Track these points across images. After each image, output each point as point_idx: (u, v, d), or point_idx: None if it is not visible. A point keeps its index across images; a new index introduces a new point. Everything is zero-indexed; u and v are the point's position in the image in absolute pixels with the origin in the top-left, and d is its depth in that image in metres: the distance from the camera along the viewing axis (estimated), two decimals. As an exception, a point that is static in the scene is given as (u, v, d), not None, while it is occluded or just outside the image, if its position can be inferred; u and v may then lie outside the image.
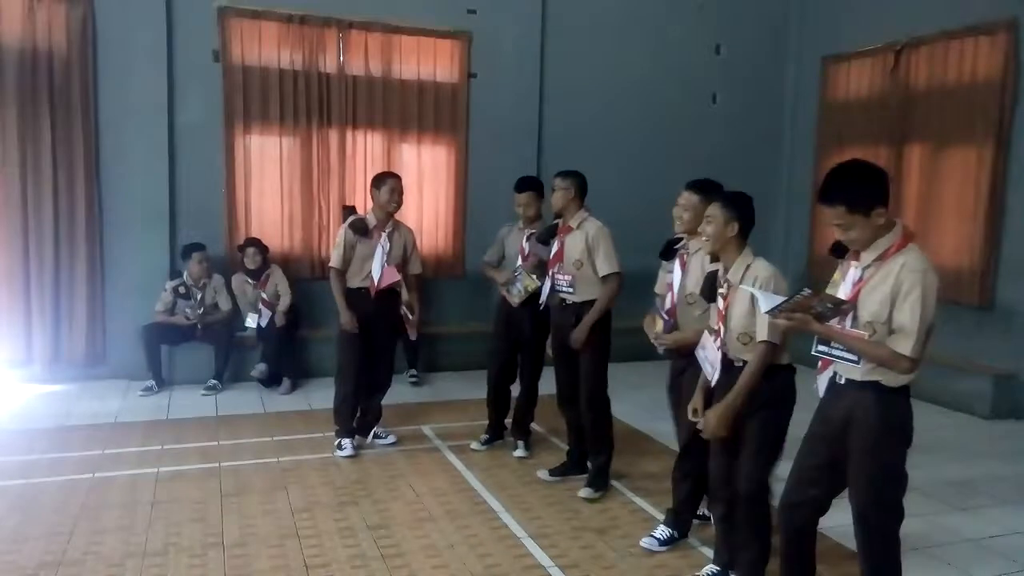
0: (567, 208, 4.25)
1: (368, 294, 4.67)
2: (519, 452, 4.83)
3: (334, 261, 4.67)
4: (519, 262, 4.70)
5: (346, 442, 4.76)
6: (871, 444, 2.54)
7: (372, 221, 4.69)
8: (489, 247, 5.01)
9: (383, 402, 5.00)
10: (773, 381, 2.98)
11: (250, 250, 6.24)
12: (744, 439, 3.03)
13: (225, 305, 6.24)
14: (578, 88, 7.34)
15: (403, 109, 6.85)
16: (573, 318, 4.18)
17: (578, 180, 4.28)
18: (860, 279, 2.57)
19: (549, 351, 4.48)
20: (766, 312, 2.62)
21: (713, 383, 3.11)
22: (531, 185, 4.78)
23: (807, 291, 2.48)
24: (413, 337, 5.16)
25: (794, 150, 8.08)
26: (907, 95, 6.89)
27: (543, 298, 4.47)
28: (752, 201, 3.12)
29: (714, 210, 3.07)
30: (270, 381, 6.19)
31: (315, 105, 6.59)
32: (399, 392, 6.15)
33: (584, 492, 4.20)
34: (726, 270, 3.08)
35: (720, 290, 3.09)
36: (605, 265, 4.09)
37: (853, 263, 2.61)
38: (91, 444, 4.83)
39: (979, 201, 6.29)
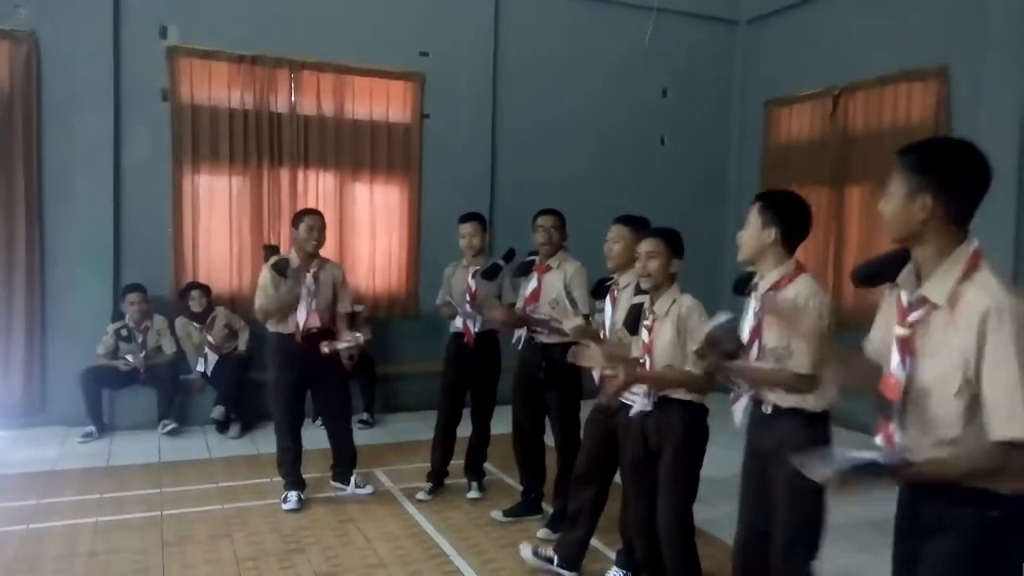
0: (548, 246, 4.24)
1: (294, 339, 4.50)
2: (473, 493, 4.75)
3: (258, 305, 4.54)
4: (467, 300, 4.62)
5: (292, 495, 4.54)
6: (792, 474, 2.53)
7: (295, 261, 4.53)
8: (440, 289, 4.96)
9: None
10: (687, 419, 3.04)
11: (194, 293, 6.14)
12: (660, 481, 3.07)
13: (169, 348, 6.09)
14: (530, 128, 7.43)
15: (355, 149, 6.85)
16: (542, 358, 4.15)
17: (560, 219, 4.29)
18: (758, 310, 2.63)
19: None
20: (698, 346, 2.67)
21: (634, 411, 3.12)
22: (475, 216, 4.76)
23: (728, 319, 2.53)
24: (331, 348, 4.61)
25: (740, 190, 8.26)
26: (846, 138, 7.12)
27: (515, 337, 4.39)
28: (680, 237, 3.18)
29: (656, 245, 3.11)
30: (224, 426, 6.04)
31: (266, 144, 6.55)
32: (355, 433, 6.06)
33: (541, 532, 4.15)
34: (652, 302, 3.12)
35: (644, 322, 3.13)
36: (582, 306, 3.97)
37: (753, 295, 2.70)
38: (26, 494, 4.64)
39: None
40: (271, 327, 4.57)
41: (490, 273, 4.52)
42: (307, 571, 3.72)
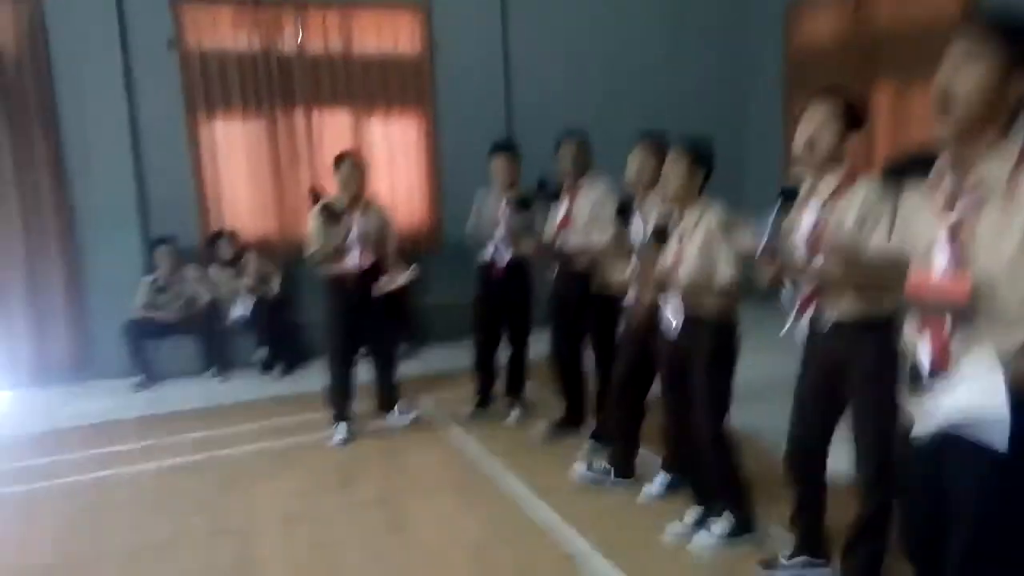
0: (573, 169, 4.22)
1: (347, 278, 4.63)
2: (514, 417, 4.87)
3: (311, 251, 4.65)
4: (501, 229, 4.65)
5: (341, 426, 4.73)
6: (873, 385, 2.52)
7: (341, 204, 4.60)
8: (470, 218, 4.95)
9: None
10: (717, 337, 3.07)
11: (222, 240, 6.23)
12: (693, 396, 3.13)
13: (205, 296, 6.20)
14: (542, 52, 7.29)
15: (367, 86, 6.78)
16: (576, 283, 4.19)
17: (583, 142, 4.27)
18: (820, 219, 2.58)
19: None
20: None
21: (674, 331, 3.16)
22: (506, 146, 4.74)
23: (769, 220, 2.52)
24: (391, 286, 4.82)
25: (765, 100, 8.10)
26: (871, 36, 6.93)
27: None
28: (712, 147, 3.14)
29: (679, 157, 3.09)
30: (267, 367, 6.20)
31: (277, 88, 6.49)
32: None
33: (586, 447, 4.26)
34: (680, 216, 3.12)
35: (675, 235, 3.15)
36: (612, 224, 3.94)
37: (811, 201, 2.62)
38: (85, 444, 4.81)
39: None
40: (324, 270, 4.68)
41: (522, 204, 4.51)
42: (361, 499, 3.87)
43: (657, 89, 7.68)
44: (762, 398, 3.85)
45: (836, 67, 7.27)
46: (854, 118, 2.60)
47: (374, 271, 4.71)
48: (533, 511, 3.65)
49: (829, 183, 2.58)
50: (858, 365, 2.57)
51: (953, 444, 1.68)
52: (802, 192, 2.67)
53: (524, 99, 7.28)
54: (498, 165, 4.67)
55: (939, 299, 1.69)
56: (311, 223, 4.62)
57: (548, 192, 4.46)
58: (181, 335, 6.15)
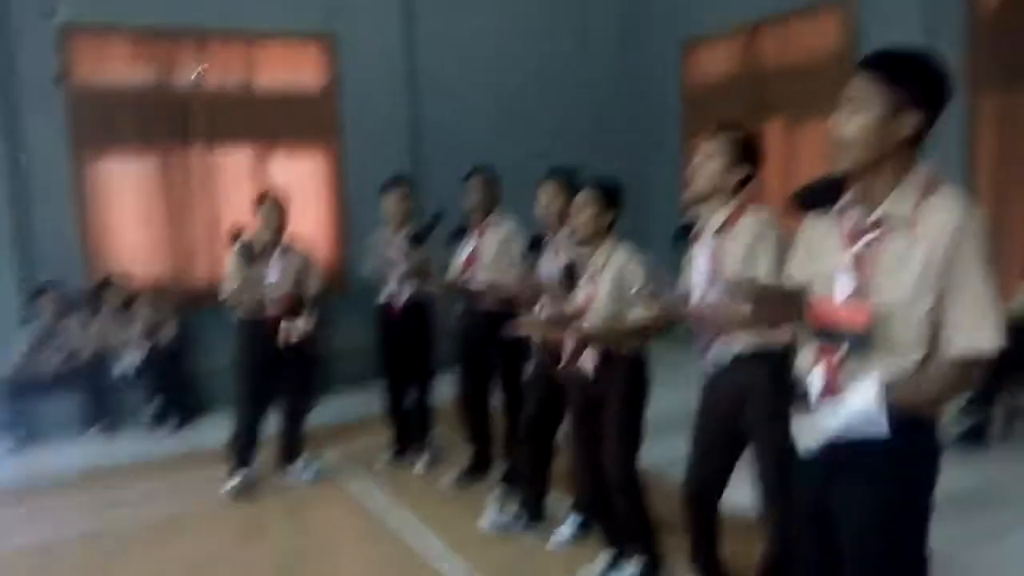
0: (481, 206, 4.16)
1: (261, 321, 4.48)
2: (422, 464, 4.72)
3: (226, 290, 4.52)
4: (397, 267, 4.55)
5: (239, 472, 4.49)
6: (769, 414, 2.56)
7: (260, 244, 4.46)
8: (366, 258, 4.83)
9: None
10: (629, 372, 3.05)
11: (110, 287, 5.87)
12: (604, 433, 3.09)
13: (90, 347, 5.82)
14: (449, 83, 7.25)
15: (269, 121, 6.56)
16: (484, 322, 4.10)
17: (490, 177, 4.21)
18: (714, 250, 2.61)
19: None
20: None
21: (589, 373, 3.11)
22: (399, 181, 4.66)
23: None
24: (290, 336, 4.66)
25: (663, 135, 8.28)
26: (761, 73, 7.19)
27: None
28: (621, 187, 3.14)
29: (588, 197, 3.07)
30: (159, 421, 5.84)
31: (173, 124, 6.22)
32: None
33: (495, 493, 4.13)
34: (590, 256, 3.10)
35: (582, 277, 3.12)
36: (521, 263, 3.94)
37: (705, 235, 2.66)
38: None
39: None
40: (239, 312, 4.55)
41: (418, 238, 4.43)
42: (264, 565, 3.63)
43: (562, 123, 7.75)
44: (667, 434, 3.81)
45: (730, 103, 7.50)
46: (745, 153, 2.61)
47: (292, 315, 4.53)
48: (445, 566, 3.50)
49: (720, 218, 2.61)
50: (755, 398, 2.60)
51: (839, 470, 1.78)
52: (697, 227, 2.70)
53: (432, 133, 7.22)
54: (390, 201, 4.58)
55: (838, 326, 1.74)
56: (229, 263, 4.47)
57: (450, 228, 4.38)
58: (64, 389, 5.73)
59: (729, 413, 2.68)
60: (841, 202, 1.81)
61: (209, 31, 6.26)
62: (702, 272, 2.64)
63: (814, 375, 1.81)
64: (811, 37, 6.70)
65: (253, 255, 4.40)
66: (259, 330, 4.49)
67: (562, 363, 3.26)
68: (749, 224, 2.54)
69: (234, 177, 6.48)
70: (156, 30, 6.06)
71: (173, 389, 5.89)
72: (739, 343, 2.60)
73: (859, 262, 1.73)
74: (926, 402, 1.69)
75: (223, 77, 6.38)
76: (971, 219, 1.62)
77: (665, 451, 3.75)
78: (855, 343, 1.70)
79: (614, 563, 3.26)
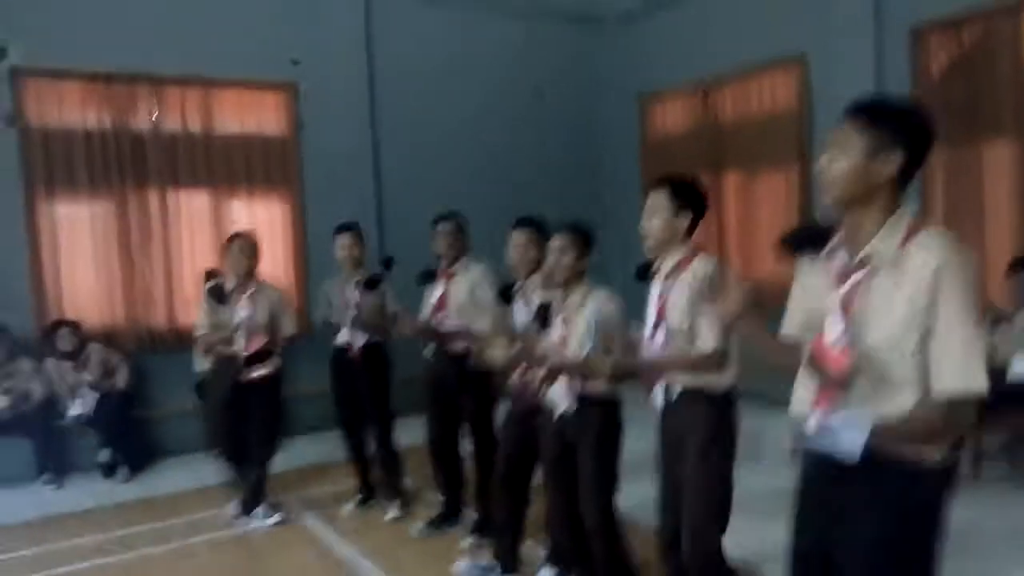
0: (450, 252, 4.15)
1: (230, 364, 4.42)
2: (392, 513, 4.59)
3: (198, 331, 4.54)
4: (351, 313, 4.50)
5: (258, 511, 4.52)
6: (701, 454, 2.61)
7: (231, 285, 4.44)
8: (317, 308, 4.78)
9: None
10: (603, 414, 3.06)
11: (62, 330, 5.65)
12: (580, 476, 3.07)
13: (38, 392, 5.58)
14: (412, 134, 7.31)
15: (229, 165, 6.51)
16: (453, 366, 4.08)
17: (459, 223, 4.20)
18: (661, 296, 2.69)
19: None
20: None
21: (565, 408, 3.10)
22: (351, 226, 4.64)
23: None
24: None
25: (621, 185, 8.44)
26: (718, 128, 7.41)
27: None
28: (593, 231, 3.20)
29: (567, 240, 3.10)
30: (111, 470, 5.58)
31: (129, 167, 6.09)
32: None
33: (467, 541, 4.07)
34: (564, 298, 3.12)
35: (559, 317, 3.12)
36: (491, 307, 3.90)
37: (654, 281, 2.74)
38: None
39: (790, 219, 6.81)
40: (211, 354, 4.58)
41: (371, 284, 4.40)
42: (224, 616, 3.49)
43: (524, 174, 7.85)
44: (640, 476, 3.79)
45: (688, 155, 7.71)
46: (686, 200, 2.69)
47: (261, 357, 4.49)
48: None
49: (669, 263, 2.70)
50: (691, 439, 2.63)
51: (842, 516, 1.79)
52: (654, 268, 2.78)
53: (393, 181, 7.24)
54: (344, 242, 4.57)
55: (827, 368, 1.78)
56: (201, 305, 4.53)
57: (389, 270, 4.42)
58: (11, 436, 5.45)
59: (674, 453, 2.71)
60: (830, 245, 1.85)
61: (167, 77, 6.22)
62: (650, 318, 2.73)
63: (812, 415, 1.82)
64: (766, 93, 6.97)
65: (224, 296, 4.38)
66: (227, 372, 4.44)
67: (534, 406, 3.27)
68: (695, 272, 2.63)
69: (192, 221, 6.39)
70: (111, 75, 6.00)
71: (125, 437, 5.66)
72: (680, 383, 2.66)
73: (846, 302, 1.76)
74: (918, 442, 1.70)
75: (181, 122, 6.32)
76: (955, 258, 1.65)
77: (638, 493, 3.75)
78: (838, 385, 1.75)
79: (591, 610, 3.21)
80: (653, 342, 2.70)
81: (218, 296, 4.38)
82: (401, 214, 7.11)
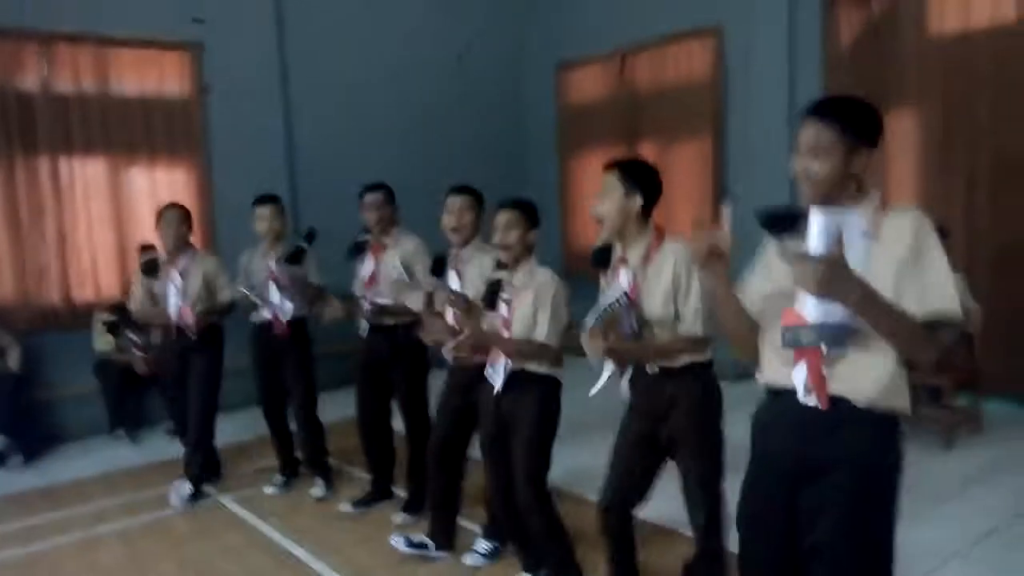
0: (379, 224, 3.98)
1: (169, 333, 4.47)
2: (317, 491, 4.44)
3: (133, 305, 4.59)
4: (272, 288, 4.30)
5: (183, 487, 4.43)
6: (700, 420, 2.65)
7: (163, 258, 4.38)
8: (235, 280, 4.52)
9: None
10: (541, 394, 3.03)
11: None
12: (514, 454, 3.04)
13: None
14: (324, 96, 7.03)
15: (127, 130, 6.08)
16: (386, 340, 3.94)
17: (388, 194, 4.03)
18: (634, 284, 2.64)
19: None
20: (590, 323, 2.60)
21: (498, 388, 3.05)
22: (271, 198, 4.41)
23: (623, 299, 2.53)
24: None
25: (539, 153, 8.40)
26: (634, 96, 7.44)
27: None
28: (536, 206, 3.12)
29: (513, 216, 3.02)
30: (2, 458, 5.19)
31: (16, 130, 5.62)
32: (158, 448, 5.49)
33: (398, 518, 3.99)
34: (511, 275, 3.05)
35: (503, 295, 3.04)
36: (424, 282, 3.79)
37: (622, 269, 2.69)
38: None
39: (705, 190, 6.95)
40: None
41: (293, 257, 4.18)
42: (144, 607, 3.29)
43: (441, 140, 7.70)
44: (565, 447, 3.79)
45: (604, 125, 7.73)
46: (641, 183, 2.65)
47: (199, 326, 4.39)
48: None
49: (637, 250, 2.66)
50: (682, 407, 2.64)
51: (807, 475, 1.85)
52: (613, 258, 2.72)
53: (308, 148, 6.96)
54: (264, 214, 4.34)
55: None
56: (135, 279, 4.58)
57: (312, 243, 4.19)
58: None
59: (655, 425, 2.70)
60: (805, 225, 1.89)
61: (57, 34, 5.73)
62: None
63: (796, 375, 1.87)
64: (683, 63, 7.02)
65: (157, 269, 4.32)
66: (170, 341, 4.50)
67: (470, 382, 3.21)
68: (667, 258, 2.60)
69: (88, 190, 5.96)
70: (-5, 30, 5.50)
71: (19, 421, 5.27)
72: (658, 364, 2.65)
73: None
74: (892, 334, 1.76)
75: (74, 82, 5.86)
76: (927, 219, 1.83)
77: (566, 463, 3.75)
78: (830, 337, 1.81)
79: (530, 585, 3.19)
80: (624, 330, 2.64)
81: (151, 270, 4.31)
82: (316, 184, 6.86)
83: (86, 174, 5.95)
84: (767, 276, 2.00)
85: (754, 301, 2.01)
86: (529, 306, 2.97)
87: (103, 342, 5.69)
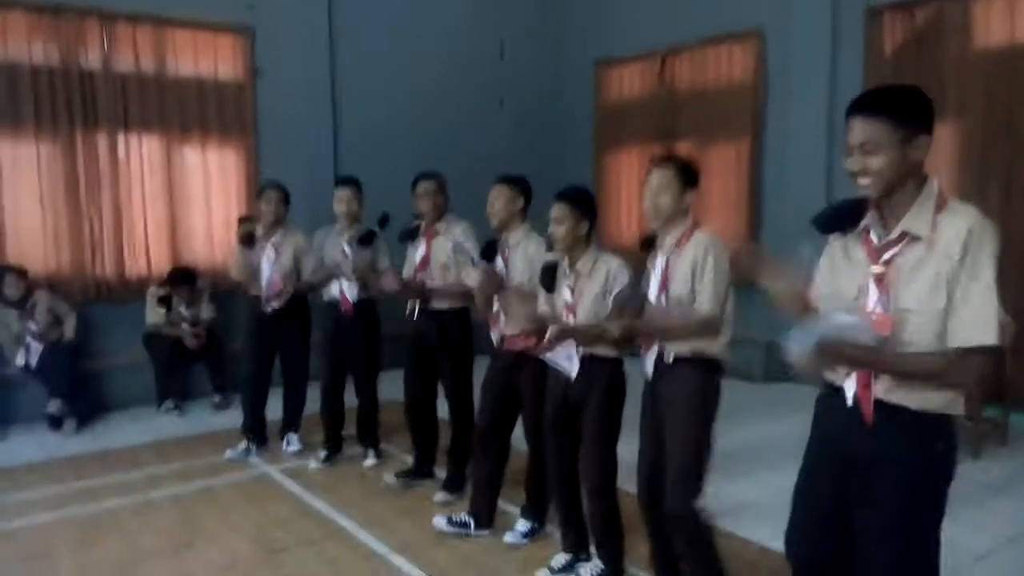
0: (432, 211, 4.14)
1: (262, 302, 4.72)
2: (370, 460, 4.70)
3: (232, 273, 4.91)
4: (343, 267, 4.50)
5: (240, 446, 4.87)
6: (692, 417, 2.75)
7: (260, 232, 4.71)
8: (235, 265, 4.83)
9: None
10: (610, 374, 3.12)
11: (7, 277, 5.41)
12: (585, 435, 3.14)
13: (-17, 340, 5.36)
14: (371, 86, 7.20)
15: (182, 109, 6.28)
16: (435, 323, 4.10)
17: (440, 182, 4.19)
18: (666, 266, 2.79)
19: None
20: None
21: (573, 376, 3.17)
22: (351, 181, 4.62)
23: (627, 285, 2.76)
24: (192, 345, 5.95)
25: (577, 148, 8.51)
26: (673, 96, 7.53)
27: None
28: (593, 197, 3.24)
29: (561, 211, 3.12)
30: (57, 422, 5.41)
31: (78, 106, 5.83)
32: (203, 420, 5.70)
33: (439, 496, 4.15)
34: (572, 262, 3.17)
35: (566, 282, 3.17)
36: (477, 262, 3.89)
37: (659, 253, 2.83)
38: None
39: (740, 191, 7.04)
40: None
41: (365, 240, 4.38)
42: (201, 567, 3.47)
43: (480, 131, 7.84)
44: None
45: (642, 123, 7.82)
46: (689, 178, 2.81)
47: (293, 302, 4.77)
48: (395, 566, 3.46)
49: (673, 236, 2.80)
50: (678, 399, 2.77)
51: (859, 468, 1.95)
52: (656, 244, 2.88)
53: (353, 134, 7.13)
54: (343, 196, 4.53)
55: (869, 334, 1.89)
56: (235, 249, 4.90)
57: (395, 229, 4.35)
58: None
59: (660, 414, 2.82)
60: (863, 223, 1.98)
61: (118, 13, 5.92)
62: (653, 285, 2.83)
63: (847, 382, 1.97)
64: (723, 66, 7.10)
65: (254, 241, 4.67)
66: (258, 310, 4.76)
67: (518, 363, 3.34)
68: (696, 245, 2.75)
69: (143, 166, 6.16)
70: (59, 7, 5.68)
71: (74, 388, 5.49)
72: (673, 349, 2.77)
73: (884, 275, 1.90)
74: (925, 377, 1.84)
75: (133, 61, 6.05)
76: (983, 223, 1.81)
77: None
78: (886, 344, 1.86)
79: (570, 566, 3.33)
80: (656, 309, 2.80)
81: (248, 241, 4.67)
82: (357, 169, 6.91)
83: (141, 151, 6.15)
84: (830, 273, 2.06)
85: (820, 299, 2.08)
86: (597, 291, 3.07)
87: (155, 315, 5.89)
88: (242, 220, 4.75)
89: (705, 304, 2.70)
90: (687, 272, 2.73)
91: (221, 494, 4.34)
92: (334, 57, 7.02)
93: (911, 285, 1.85)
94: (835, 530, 2.03)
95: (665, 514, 2.79)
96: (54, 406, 5.39)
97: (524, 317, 3.17)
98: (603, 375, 3.11)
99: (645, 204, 2.83)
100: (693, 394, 2.76)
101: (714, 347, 2.77)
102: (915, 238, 1.87)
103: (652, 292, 2.83)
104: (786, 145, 6.63)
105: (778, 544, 2.28)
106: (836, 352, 1.88)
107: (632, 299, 2.79)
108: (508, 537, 3.67)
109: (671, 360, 2.78)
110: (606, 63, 8.17)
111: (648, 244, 2.93)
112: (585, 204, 3.16)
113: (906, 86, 1.92)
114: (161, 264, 6.17)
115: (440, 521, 3.76)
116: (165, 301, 5.81)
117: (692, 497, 2.75)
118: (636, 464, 2.93)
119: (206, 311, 6.09)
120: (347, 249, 4.51)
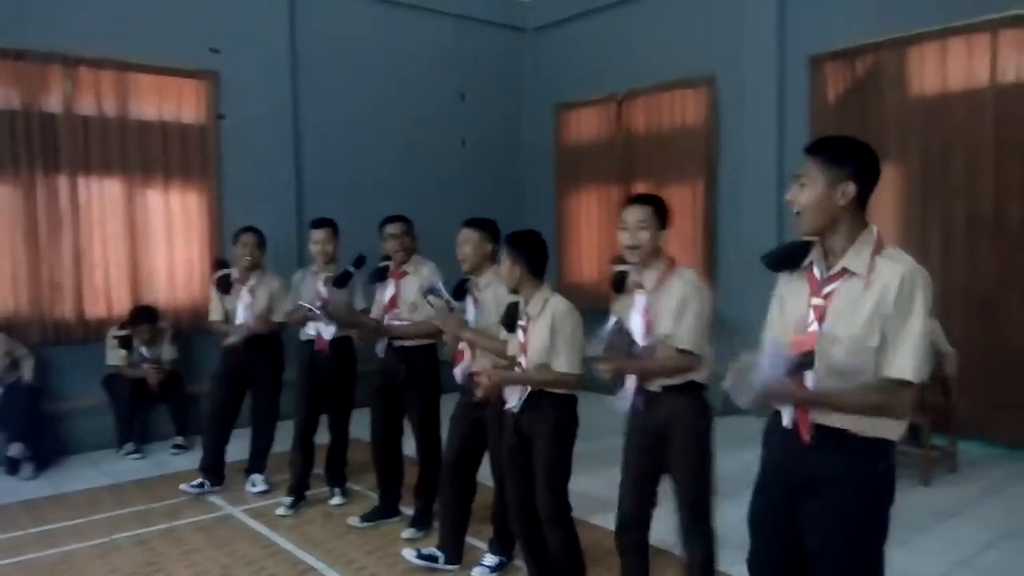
0: (399, 252, 4.23)
1: (233, 349, 4.78)
2: (336, 499, 4.70)
3: (211, 316, 5.01)
4: (318, 307, 4.51)
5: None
6: (693, 439, 2.88)
7: (235, 275, 4.83)
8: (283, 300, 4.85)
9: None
10: (559, 410, 3.21)
11: (-38, 319, 5.35)
12: (537, 468, 3.22)
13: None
14: (333, 129, 7.32)
15: (144, 152, 6.30)
16: (404, 363, 4.16)
17: (408, 224, 4.29)
18: (647, 305, 2.90)
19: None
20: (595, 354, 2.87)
21: (516, 410, 3.26)
22: (327, 222, 4.69)
23: (615, 321, 2.80)
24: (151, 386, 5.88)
25: (537, 189, 8.70)
26: (629, 139, 7.78)
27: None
28: (541, 238, 3.32)
29: (508, 253, 3.23)
30: (14, 466, 5.30)
31: (38, 148, 5.81)
32: (164, 462, 5.64)
33: (407, 532, 4.18)
34: (526, 302, 3.27)
35: (520, 322, 3.27)
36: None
37: (638, 292, 2.95)
38: None
39: (696, 231, 7.25)
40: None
41: (341, 280, 4.45)
42: (168, 609, 3.45)
43: (445, 173, 8.00)
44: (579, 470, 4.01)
45: (600, 165, 8.05)
46: (664, 217, 2.96)
47: (260, 341, 4.82)
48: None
49: (652, 275, 2.92)
50: (678, 427, 2.88)
51: (804, 492, 2.07)
52: (629, 283, 3.00)
53: (315, 176, 7.22)
54: (318, 237, 4.62)
55: (803, 351, 2.05)
56: (211, 294, 5.01)
57: (367, 270, 4.44)
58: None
59: (653, 444, 2.92)
60: (807, 260, 2.14)
61: (81, 58, 5.96)
62: (637, 325, 2.93)
63: (784, 409, 2.11)
64: (677, 109, 7.38)
65: (230, 285, 4.78)
66: (236, 351, 4.79)
67: (485, 400, 3.42)
68: (679, 284, 2.88)
69: (105, 209, 6.15)
70: (21, 52, 5.71)
71: (34, 431, 5.39)
72: (658, 383, 2.89)
73: (823, 307, 2.06)
74: (858, 408, 1.99)
75: (95, 105, 6.08)
76: (917, 269, 1.98)
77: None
78: (802, 364, 2.02)
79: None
80: (642, 349, 2.90)
81: (224, 286, 4.79)
82: (321, 210, 6.99)
83: (103, 193, 6.15)
84: (781, 308, 2.20)
85: (779, 332, 2.20)
86: (546, 334, 3.16)
87: (115, 356, 5.84)
88: (217, 264, 4.83)
89: (687, 341, 2.82)
90: (674, 310, 2.84)
91: (184, 535, 4.30)
92: (297, 100, 7.13)
93: (847, 318, 2.00)
94: (792, 555, 2.13)
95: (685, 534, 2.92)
96: (14, 449, 5.28)
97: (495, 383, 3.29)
98: (550, 411, 3.19)
99: (624, 240, 2.93)
100: (691, 419, 2.87)
101: (701, 374, 2.90)
102: (853, 274, 2.02)
103: (637, 332, 2.91)
104: (739, 187, 6.88)
105: (741, 569, 2.38)
106: (783, 394, 2.02)
107: (620, 340, 2.87)
108: (476, 571, 3.70)
109: (659, 389, 2.89)
110: (565, 105, 8.41)
111: (618, 283, 3.04)
112: (524, 249, 3.22)
113: (852, 139, 2.10)
114: (121, 306, 6.12)
115: (409, 554, 3.79)
116: (125, 342, 5.77)
117: (710, 516, 2.91)
118: (606, 496, 3.00)
119: (167, 351, 6.05)
120: (322, 290, 4.56)
